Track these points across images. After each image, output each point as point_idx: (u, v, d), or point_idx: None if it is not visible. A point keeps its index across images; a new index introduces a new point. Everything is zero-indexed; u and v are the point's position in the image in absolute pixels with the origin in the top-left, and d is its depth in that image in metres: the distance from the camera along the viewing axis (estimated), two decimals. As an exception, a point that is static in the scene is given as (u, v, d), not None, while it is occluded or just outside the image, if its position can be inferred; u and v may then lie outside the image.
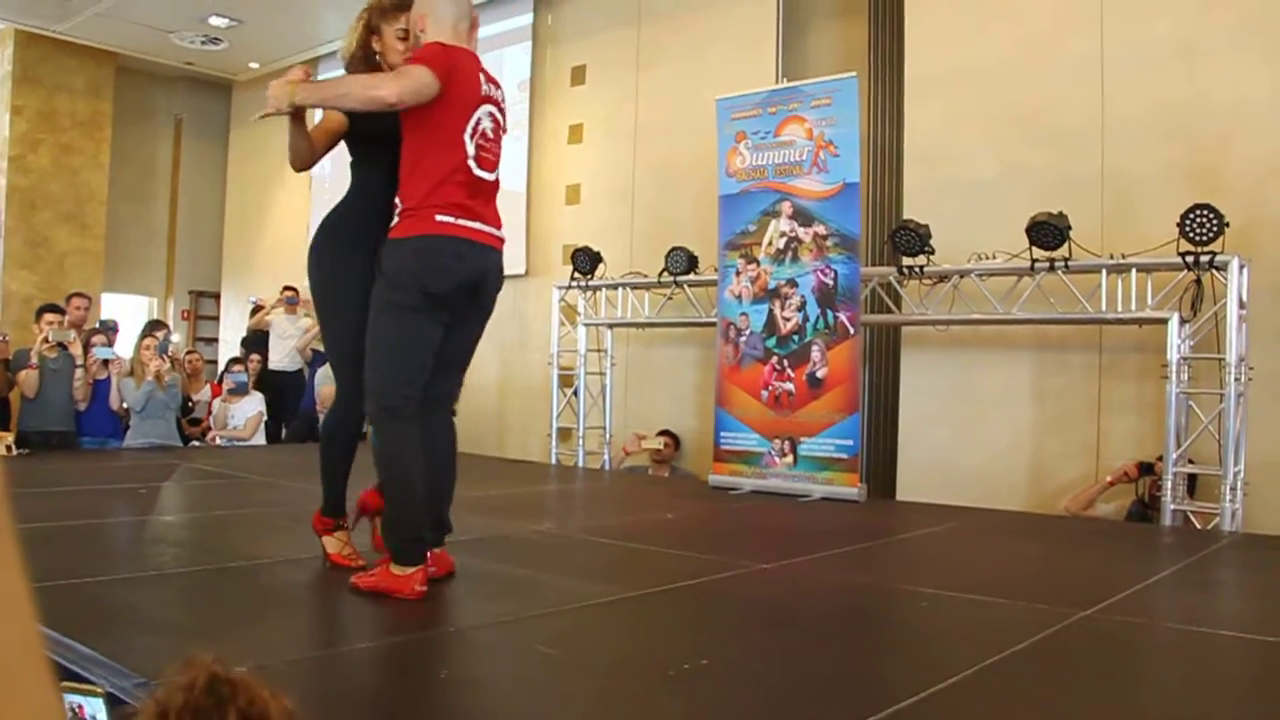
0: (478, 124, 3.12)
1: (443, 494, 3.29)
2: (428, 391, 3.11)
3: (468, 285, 3.12)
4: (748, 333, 6.11)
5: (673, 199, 7.78)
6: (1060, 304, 5.45)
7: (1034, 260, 5.40)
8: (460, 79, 3.06)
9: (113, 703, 1.85)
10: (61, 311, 7.43)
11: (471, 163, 3.09)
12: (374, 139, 3.22)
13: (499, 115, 3.22)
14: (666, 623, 3.00)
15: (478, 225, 3.11)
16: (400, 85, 2.93)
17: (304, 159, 3.26)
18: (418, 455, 3.05)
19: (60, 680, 1.90)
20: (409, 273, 3.00)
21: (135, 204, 12.21)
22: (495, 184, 3.21)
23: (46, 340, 6.97)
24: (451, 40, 3.14)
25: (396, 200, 3.08)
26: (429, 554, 3.08)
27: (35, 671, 0.45)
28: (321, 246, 3.30)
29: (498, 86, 3.25)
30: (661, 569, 3.82)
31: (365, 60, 3.31)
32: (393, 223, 3.08)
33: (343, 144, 3.33)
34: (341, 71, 3.45)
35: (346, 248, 3.24)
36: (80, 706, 1.79)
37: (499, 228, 3.22)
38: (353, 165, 3.36)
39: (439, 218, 3.01)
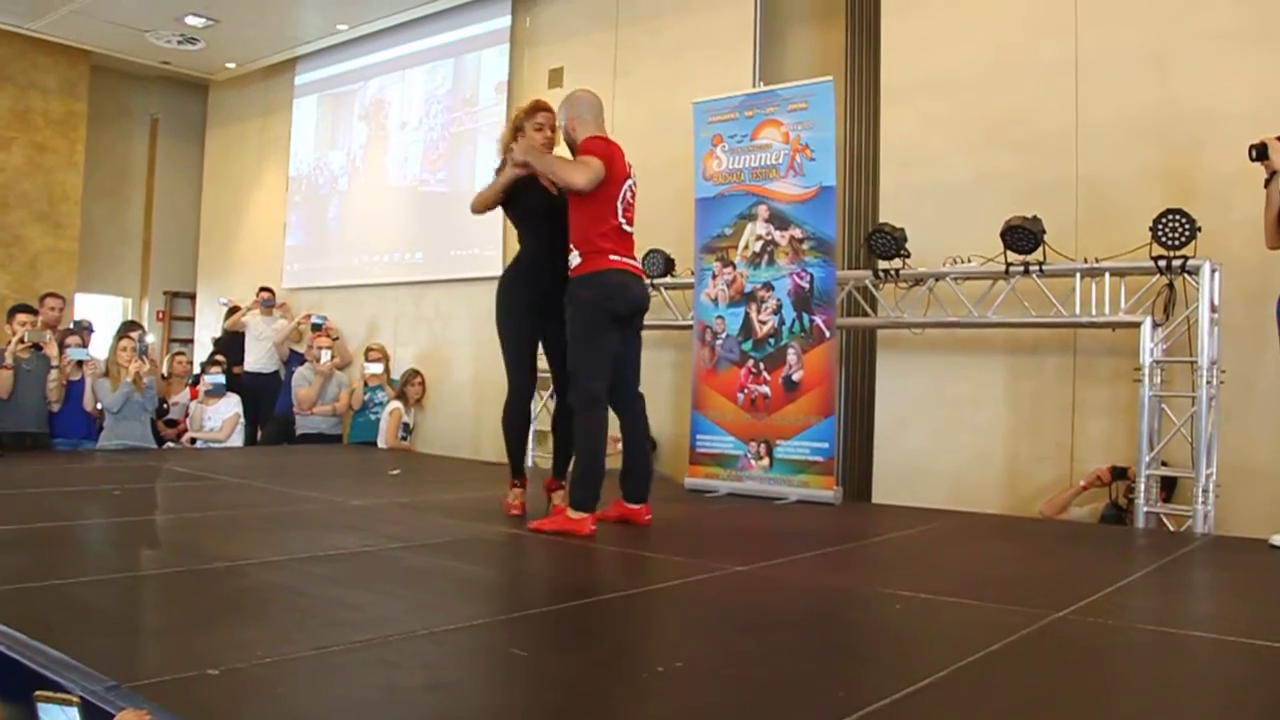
0: (624, 193, 4.37)
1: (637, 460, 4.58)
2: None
3: (634, 307, 4.43)
4: (724, 336, 6.12)
5: (649, 201, 7.68)
6: (1034, 307, 5.49)
7: (1009, 264, 5.45)
8: (615, 164, 4.31)
9: (88, 710, 1.83)
10: (34, 312, 7.37)
11: (621, 220, 4.37)
12: (532, 212, 4.54)
13: (634, 185, 4.47)
14: (641, 625, 3.00)
15: (632, 262, 4.47)
16: (587, 177, 4.20)
17: (489, 207, 4.61)
18: (606, 432, 4.34)
19: (35, 690, 1.88)
20: (599, 298, 4.26)
21: (110, 204, 12.12)
22: (632, 235, 4.48)
23: (21, 341, 6.91)
24: (596, 132, 4.42)
25: (572, 247, 4.32)
26: (631, 507, 4.53)
27: None
28: (504, 288, 4.63)
29: (629, 164, 4.45)
30: (637, 571, 3.83)
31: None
32: (573, 264, 4.32)
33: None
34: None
35: (523, 290, 4.57)
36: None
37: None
38: (519, 234, 4.72)
39: (611, 257, 4.30)
